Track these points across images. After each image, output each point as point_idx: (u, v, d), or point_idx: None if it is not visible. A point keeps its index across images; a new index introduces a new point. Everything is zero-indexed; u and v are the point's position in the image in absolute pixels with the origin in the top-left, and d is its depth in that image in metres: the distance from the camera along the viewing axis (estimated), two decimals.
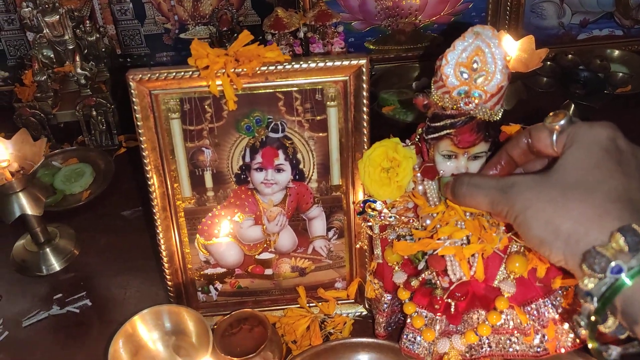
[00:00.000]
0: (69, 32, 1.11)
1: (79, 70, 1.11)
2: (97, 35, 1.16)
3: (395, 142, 0.69)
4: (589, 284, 0.40)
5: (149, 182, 0.72)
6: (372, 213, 0.71)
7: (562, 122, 0.47)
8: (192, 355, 0.72)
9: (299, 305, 0.81)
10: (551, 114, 0.50)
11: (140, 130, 0.69)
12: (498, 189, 0.47)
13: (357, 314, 0.82)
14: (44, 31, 1.11)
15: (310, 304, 0.81)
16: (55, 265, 0.92)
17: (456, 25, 1.24)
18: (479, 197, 0.50)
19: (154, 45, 1.26)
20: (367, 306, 0.81)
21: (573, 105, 1.12)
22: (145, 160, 0.71)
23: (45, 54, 1.15)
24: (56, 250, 0.94)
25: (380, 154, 0.69)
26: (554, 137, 0.48)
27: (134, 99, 0.67)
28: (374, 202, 0.71)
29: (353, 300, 0.82)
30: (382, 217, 0.70)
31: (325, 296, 0.81)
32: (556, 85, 1.22)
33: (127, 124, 1.18)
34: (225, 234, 0.77)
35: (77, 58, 1.11)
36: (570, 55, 1.26)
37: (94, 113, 1.12)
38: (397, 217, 0.70)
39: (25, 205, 0.86)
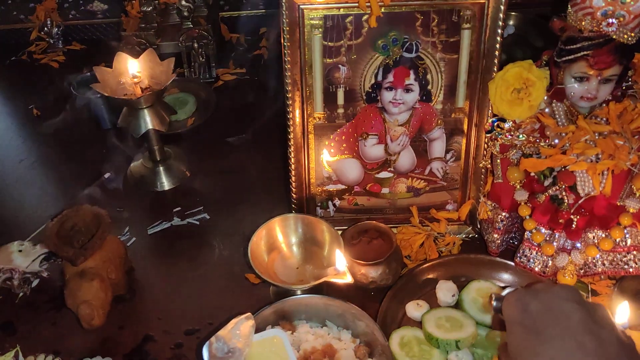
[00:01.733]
0: None
1: (183, 2, 1.15)
2: None
3: (529, 63, 0.72)
4: None
5: (288, 96, 0.76)
6: (500, 132, 0.75)
7: (494, 305, 0.54)
8: (318, 264, 0.77)
9: (411, 225, 0.86)
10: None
11: (286, 44, 0.73)
12: None
13: (465, 235, 0.86)
14: None
15: (422, 224, 0.86)
16: (170, 182, 0.98)
17: None
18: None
19: None
20: (477, 227, 0.85)
21: None
22: (287, 74, 0.75)
23: None
24: (170, 170, 0.99)
25: (514, 74, 0.72)
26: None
27: (283, 12, 0.71)
28: (504, 121, 0.74)
29: (462, 222, 0.86)
30: (511, 136, 0.74)
31: (438, 216, 0.85)
32: None
33: (221, 59, 1.22)
34: (349, 151, 0.82)
35: None
36: None
37: (196, 45, 1.16)
38: (526, 136, 0.73)
39: (151, 121, 0.90)
